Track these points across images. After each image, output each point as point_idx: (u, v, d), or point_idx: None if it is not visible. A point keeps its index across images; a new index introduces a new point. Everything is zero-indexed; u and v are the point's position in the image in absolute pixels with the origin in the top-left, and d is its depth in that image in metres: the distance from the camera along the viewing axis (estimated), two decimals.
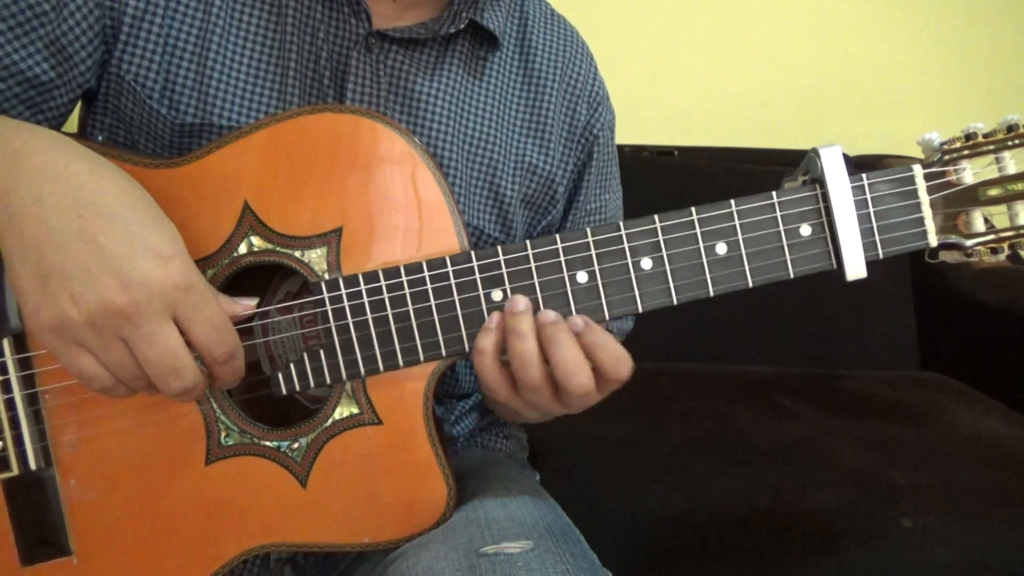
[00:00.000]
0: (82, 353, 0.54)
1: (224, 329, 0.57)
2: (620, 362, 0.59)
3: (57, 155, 0.55)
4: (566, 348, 0.58)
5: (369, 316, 0.60)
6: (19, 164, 0.54)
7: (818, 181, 0.60)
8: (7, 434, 0.62)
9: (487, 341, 0.60)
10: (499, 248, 0.60)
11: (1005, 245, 0.60)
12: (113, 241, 0.53)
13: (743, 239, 0.60)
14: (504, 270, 0.60)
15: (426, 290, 0.60)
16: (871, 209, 0.60)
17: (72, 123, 0.72)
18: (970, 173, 0.60)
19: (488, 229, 0.78)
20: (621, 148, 1.46)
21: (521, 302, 0.59)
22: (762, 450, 1.16)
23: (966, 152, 0.59)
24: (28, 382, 0.62)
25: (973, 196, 0.60)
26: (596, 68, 0.86)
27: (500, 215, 0.78)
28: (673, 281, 0.60)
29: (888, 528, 0.96)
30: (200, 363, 0.57)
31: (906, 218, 0.60)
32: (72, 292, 0.52)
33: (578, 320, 0.60)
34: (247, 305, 0.59)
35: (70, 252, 0.52)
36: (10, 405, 0.61)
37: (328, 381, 0.61)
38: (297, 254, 0.61)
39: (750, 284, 0.60)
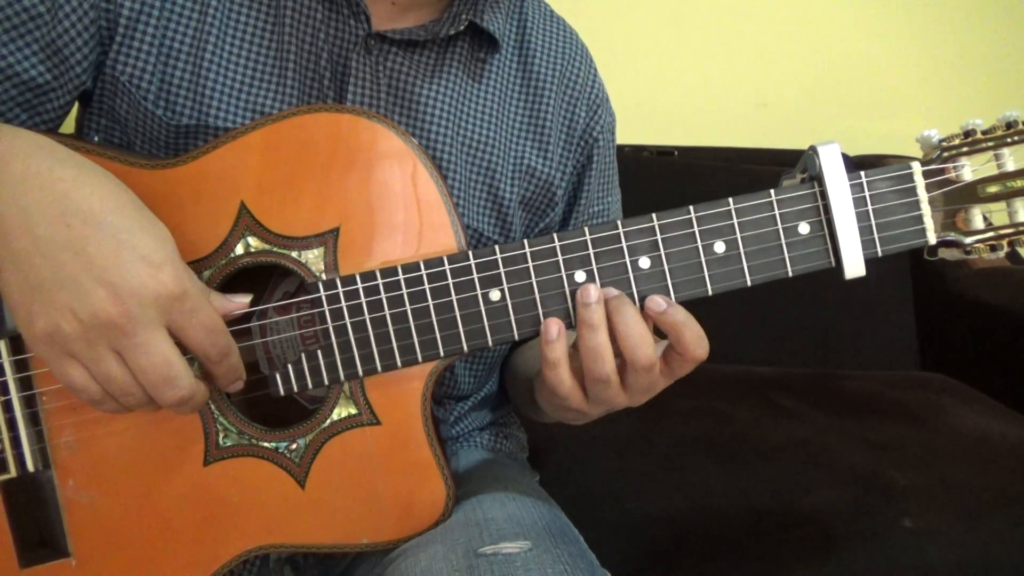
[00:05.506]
0: (73, 364, 0.53)
1: (218, 330, 0.56)
2: (702, 341, 0.58)
3: (39, 161, 0.53)
4: (631, 319, 0.57)
5: (367, 316, 0.60)
6: (2, 172, 0.53)
7: (816, 179, 0.60)
8: (5, 436, 0.61)
9: (558, 351, 0.58)
10: (497, 247, 0.60)
11: (1004, 242, 0.60)
12: (102, 250, 0.52)
13: (741, 238, 0.60)
14: (502, 269, 0.60)
15: (424, 290, 0.60)
16: (869, 207, 0.59)
17: (69, 124, 0.72)
18: (969, 170, 0.59)
19: (487, 231, 0.77)
20: (621, 148, 1.46)
21: (593, 293, 0.58)
22: (762, 450, 1.15)
23: (965, 149, 0.59)
24: (26, 384, 0.62)
25: (972, 193, 0.59)
26: (596, 70, 0.86)
27: (499, 217, 0.78)
28: (671, 280, 0.60)
29: (888, 528, 0.96)
30: (197, 371, 0.56)
31: (905, 215, 0.59)
32: (63, 304, 0.51)
33: (660, 300, 0.58)
34: (241, 303, 0.59)
35: (59, 263, 0.51)
36: (7, 407, 0.61)
37: (326, 381, 0.61)
38: (294, 254, 0.61)
39: (749, 283, 0.60)
